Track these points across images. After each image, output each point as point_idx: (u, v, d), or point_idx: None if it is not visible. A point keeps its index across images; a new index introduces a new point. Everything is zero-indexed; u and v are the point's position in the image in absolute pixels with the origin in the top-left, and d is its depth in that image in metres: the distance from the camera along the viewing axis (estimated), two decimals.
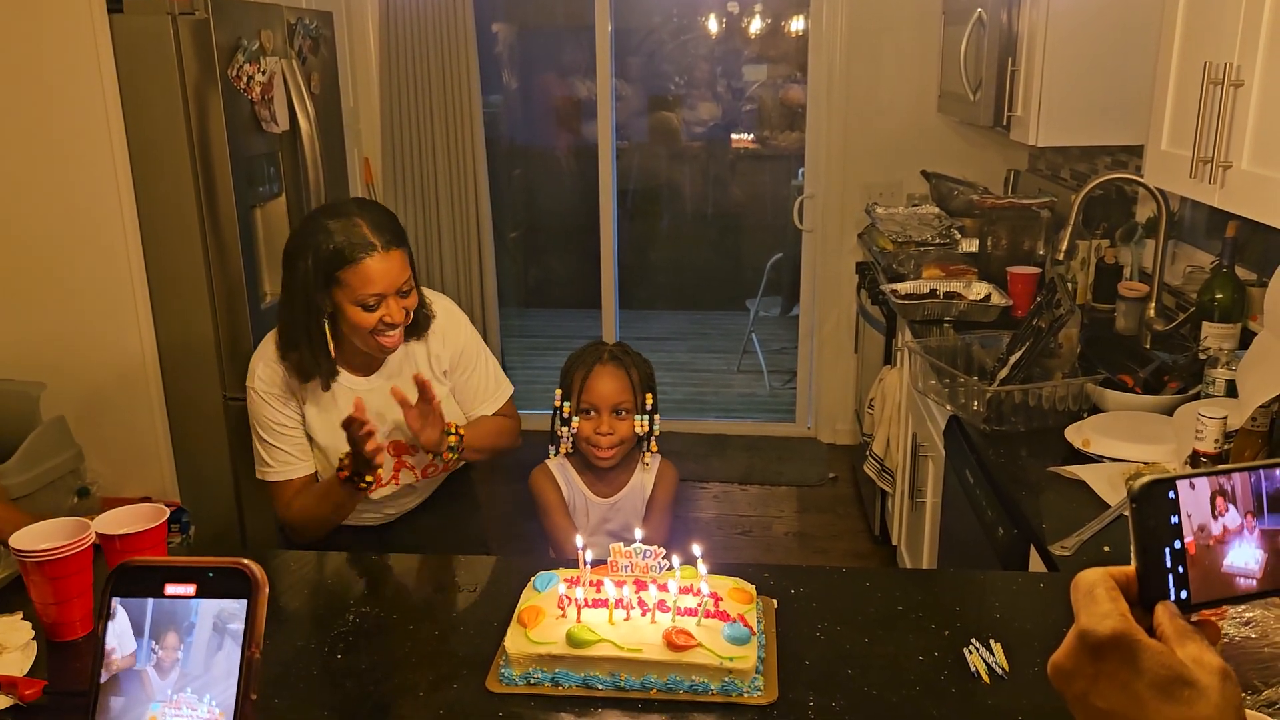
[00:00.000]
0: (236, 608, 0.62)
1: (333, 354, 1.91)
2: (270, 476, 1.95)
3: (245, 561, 0.63)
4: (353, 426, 1.77)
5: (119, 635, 0.63)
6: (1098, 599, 0.60)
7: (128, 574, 0.65)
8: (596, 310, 4.98)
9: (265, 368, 1.93)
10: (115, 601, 0.64)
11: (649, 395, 2.06)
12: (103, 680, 0.62)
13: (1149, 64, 2.22)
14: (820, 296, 4.61)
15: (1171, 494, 0.60)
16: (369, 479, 1.84)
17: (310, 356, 1.88)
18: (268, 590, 0.64)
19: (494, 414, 2.09)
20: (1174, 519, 0.60)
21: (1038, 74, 2.84)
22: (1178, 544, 0.60)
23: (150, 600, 0.63)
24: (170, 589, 0.63)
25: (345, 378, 1.96)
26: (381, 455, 1.87)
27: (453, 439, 1.92)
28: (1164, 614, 0.60)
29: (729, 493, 4.25)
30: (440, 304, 2.04)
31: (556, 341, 6.10)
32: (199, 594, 0.63)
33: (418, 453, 1.99)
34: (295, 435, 1.95)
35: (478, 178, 4.62)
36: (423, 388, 1.85)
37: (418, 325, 1.97)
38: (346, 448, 1.83)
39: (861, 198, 4.31)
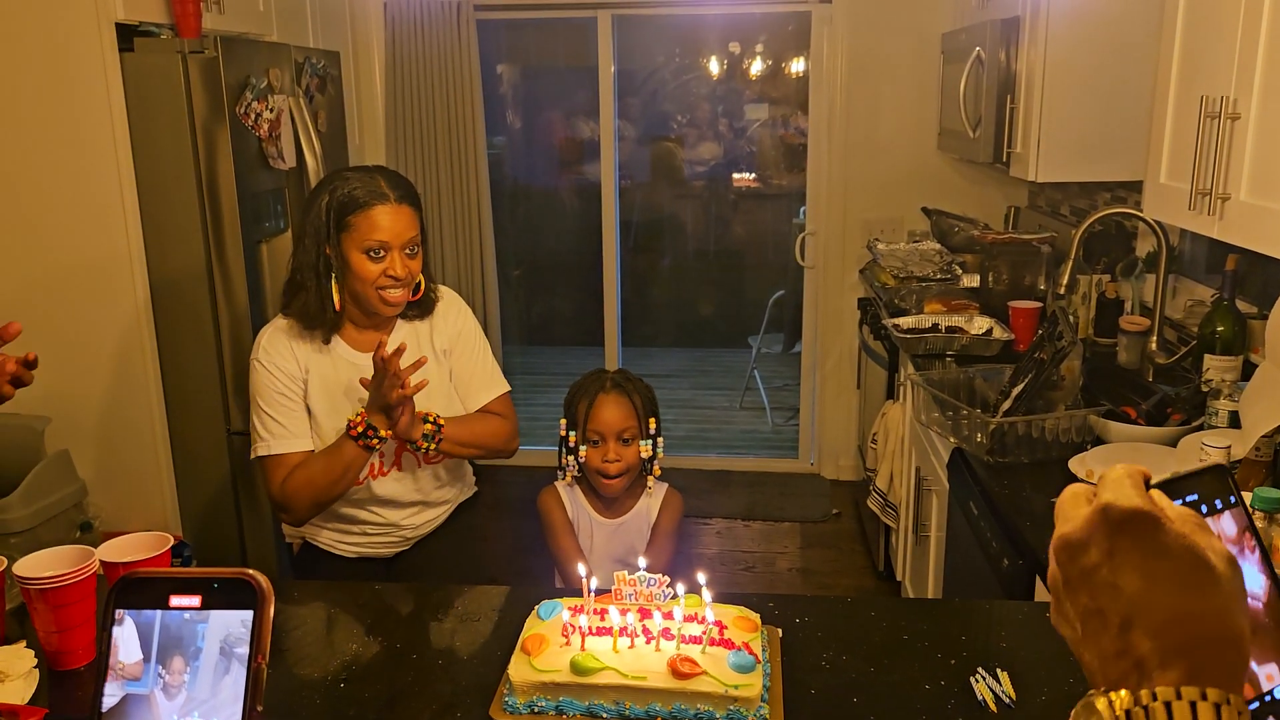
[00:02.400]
0: (243, 632, 0.62)
1: (338, 308, 1.94)
2: (264, 450, 1.93)
3: (251, 572, 0.63)
4: (384, 364, 1.78)
5: (124, 643, 0.62)
6: (1123, 484, 0.59)
7: (132, 585, 0.65)
8: (599, 347, 5.00)
9: (270, 338, 1.96)
10: (120, 613, 0.64)
11: (652, 420, 2.07)
12: (106, 694, 0.62)
13: (1146, 100, 2.25)
14: (822, 332, 4.63)
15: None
16: (383, 434, 1.85)
17: (316, 301, 1.92)
18: (273, 600, 0.63)
19: (489, 408, 2.09)
20: None
21: (1036, 111, 2.88)
22: None
23: (157, 620, 0.63)
24: (175, 600, 0.63)
25: (347, 351, 1.98)
26: (406, 409, 1.85)
27: (429, 426, 1.91)
28: (1168, 502, 0.59)
29: (732, 529, 4.24)
30: (445, 291, 2.12)
31: (559, 379, 6.10)
32: (204, 605, 0.63)
33: None
34: (295, 409, 1.95)
35: (481, 215, 4.65)
36: (388, 361, 1.80)
37: (423, 306, 2.02)
38: (345, 424, 1.87)
39: (862, 234, 4.34)
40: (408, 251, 1.91)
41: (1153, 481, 0.61)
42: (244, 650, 0.62)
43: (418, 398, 1.91)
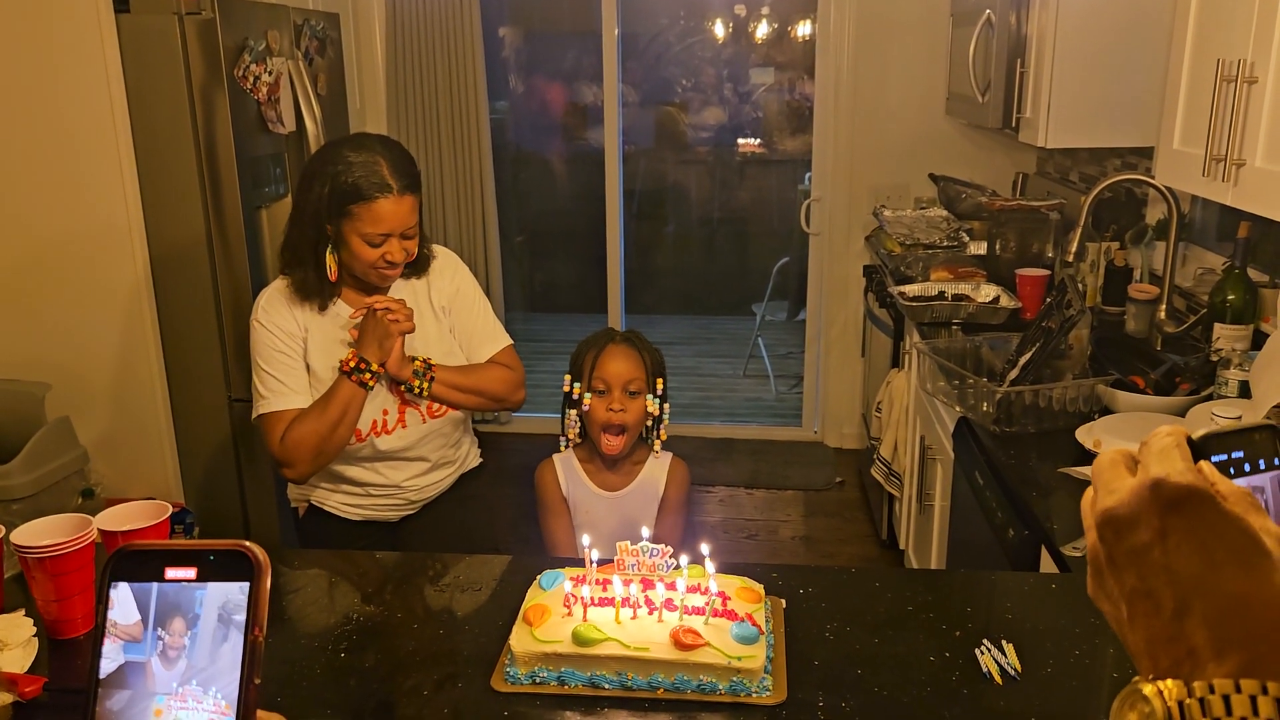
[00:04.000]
0: (241, 599, 0.61)
1: (334, 278, 1.95)
2: (264, 408, 1.94)
3: (247, 544, 0.62)
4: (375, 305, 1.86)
5: (121, 604, 0.61)
6: (1172, 456, 0.55)
7: (128, 557, 0.63)
8: (603, 315, 4.97)
9: (270, 299, 1.97)
10: (116, 584, 0.62)
11: (659, 380, 2.04)
12: (104, 661, 0.61)
13: (1160, 64, 2.21)
14: (827, 300, 4.60)
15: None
16: (374, 368, 1.87)
17: (314, 275, 1.93)
18: (270, 572, 0.62)
19: (493, 360, 2.09)
20: None
21: (1047, 75, 2.82)
22: None
23: (154, 588, 0.62)
24: (171, 573, 0.61)
25: (346, 310, 1.99)
26: (396, 345, 1.90)
27: (418, 364, 1.94)
28: (1219, 477, 0.55)
29: (735, 496, 4.23)
30: (440, 249, 2.11)
31: (562, 346, 6.07)
32: (200, 578, 0.61)
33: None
34: (294, 367, 1.95)
35: (484, 181, 4.61)
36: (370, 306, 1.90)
37: (418, 265, 2.03)
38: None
39: (869, 201, 4.30)
40: (406, 234, 1.91)
41: (1197, 435, 0.57)
42: (242, 618, 0.61)
43: (416, 351, 1.95)
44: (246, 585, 0.61)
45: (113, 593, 0.62)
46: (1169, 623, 0.53)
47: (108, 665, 0.60)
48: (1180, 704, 0.50)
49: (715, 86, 6.30)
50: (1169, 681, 0.51)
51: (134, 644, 0.60)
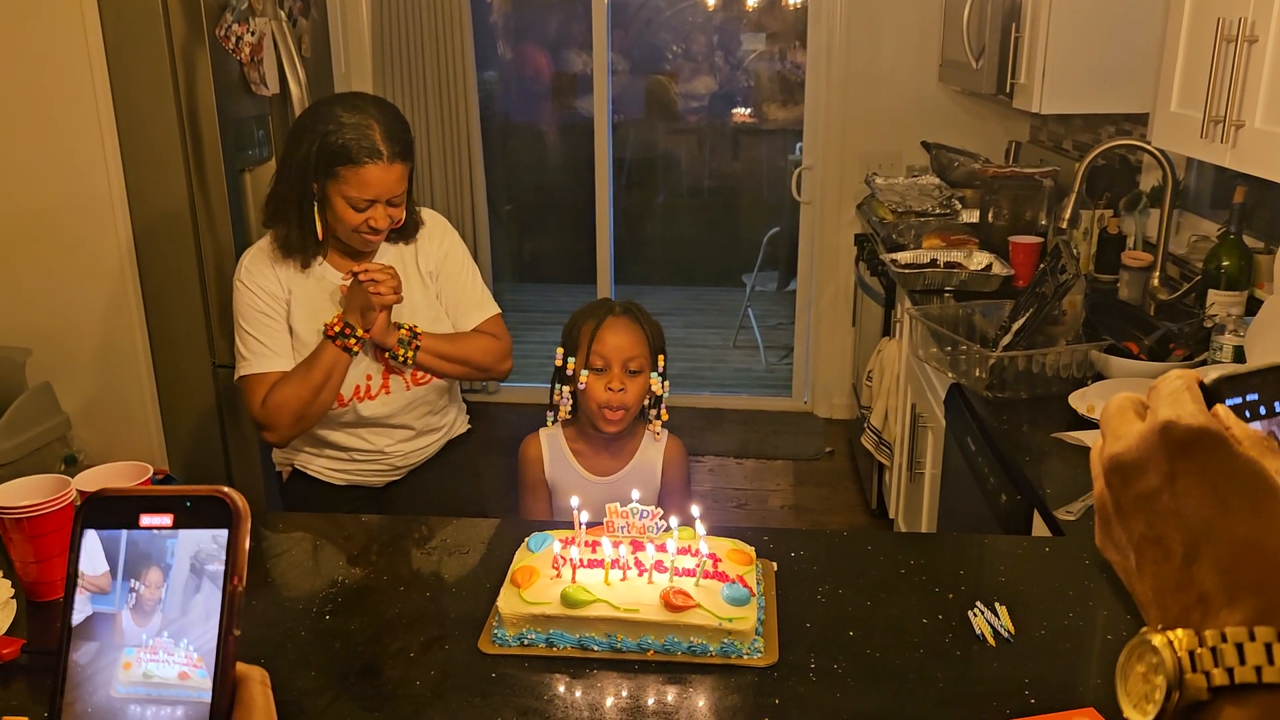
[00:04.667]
0: (215, 549, 0.58)
1: (320, 237, 1.90)
2: (246, 370, 1.91)
3: (226, 490, 0.59)
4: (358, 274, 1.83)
5: (89, 554, 0.58)
6: (1182, 398, 0.53)
7: (100, 504, 0.60)
8: (592, 285, 4.94)
9: (253, 259, 1.94)
10: (86, 532, 0.60)
11: (660, 357, 1.91)
12: (75, 609, 0.58)
13: (1157, 28, 2.18)
14: (818, 269, 4.57)
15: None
16: (359, 333, 1.85)
17: (298, 233, 1.89)
18: (249, 519, 0.59)
19: (481, 329, 2.05)
20: None
21: (1042, 39, 2.79)
22: None
23: (123, 536, 0.59)
24: (146, 520, 0.59)
25: (331, 273, 1.95)
26: (382, 312, 1.86)
27: (404, 333, 1.90)
28: (1234, 420, 0.53)
29: (724, 466, 4.22)
30: (429, 214, 2.07)
31: (551, 316, 6.05)
32: (176, 525, 0.58)
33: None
34: (277, 328, 1.92)
35: (471, 148, 4.56)
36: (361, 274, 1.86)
37: (405, 231, 1.99)
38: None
39: (860, 169, 4.26)
40: (393, 201, 1.86)
41: (1209, 379, 0.55)
42: (215, 567, 0.58)
43: (402, 317, 1.91)
44: (223, 533, 0.58)
45: (83, 541, 0.59)
46: (1178, 569, 0.51)
47: (75, 618, 0.58)
48: (1191, 654, 0.48)
49: (706, 54, 6.23)
50: (1179, 631, 0.49)
51: (102, 595, 0.57)
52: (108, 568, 0.58)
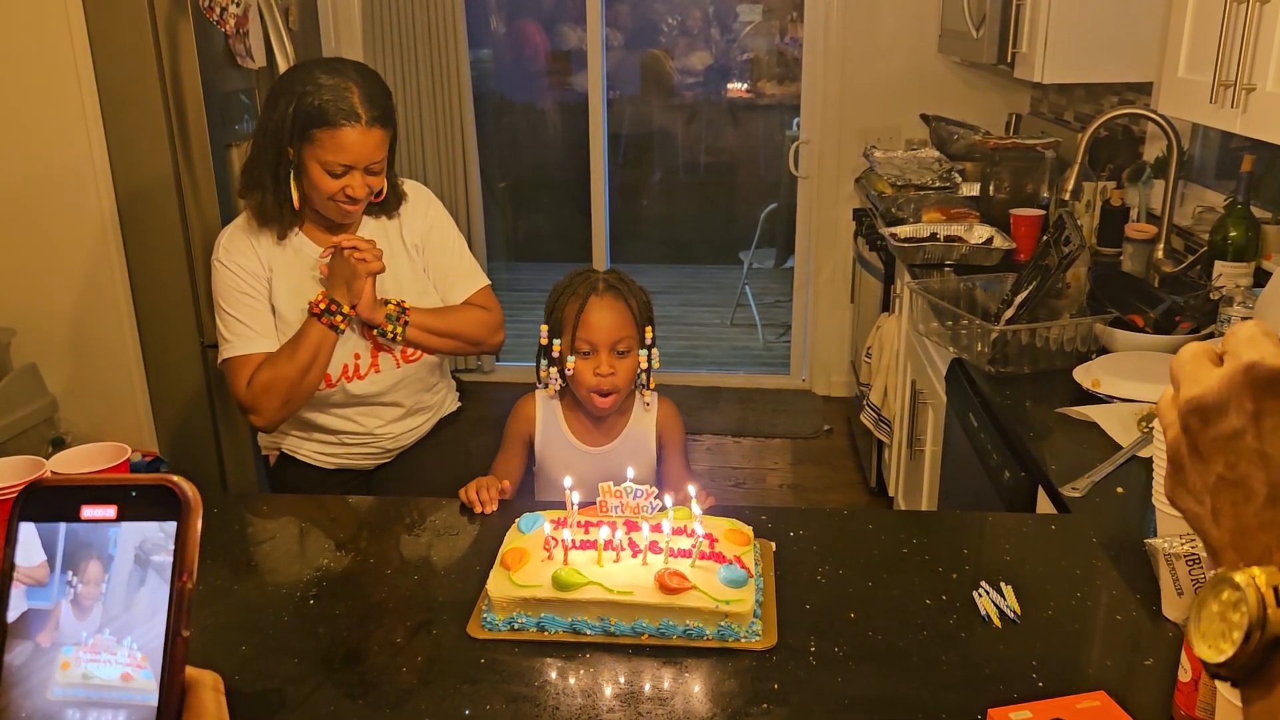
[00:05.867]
0: (161, 538, 0.53)
1: (296, 207, 1.84)
2: (229, 352, 1.85)
3: (174, 478, 0.54)
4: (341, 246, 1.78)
5: (25, 546, 0.54)
6: (1262, 342, 0.54)
7: (39, 495, 0.55)
8: (587, 263, 4.88)
9: (231, 236, 1.88)
10: (24, 527, 0.55)
11: (649, 329, 1.83)
12: (10, 608, 0.53)
13: None
14: (816, 245, 4.51)
15: None
16: (345, 310, 1.80)
17: (274, 201, 1.83)
18: (200, 511, 0.54)
19: (470, 302, 2.00)
20: None
21: (1044, 7, 2.73)
22: None
23: (62, 527, 0.54)
24: (88, 511, 0.54)
25: (311, 247, 1.89)
26: (367, 286, 1.80)
27: (391, 308, 1.85)
28: None
29: (722, 445, 4.19)
30: (412, 185, 2.00)
31: (545, 296, 5.99)
32: (120, 517, 0.54)
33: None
34: (259, 308, 1.86)
35: (464, 125, 4.49)
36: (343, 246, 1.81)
37: (387, 204, 1.93)
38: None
39: (859, 143, 4.20)
40: (371, 169, 1.80)
41: None
42: (161, 559, 0.53)
43: (389, 292, 1.86)
44: (172, 525, 0.54)
45: (18, 534, 0.54)
46: (1261, 509, 0.52)
47: (10, 615, 0.53)
48: (1276, 589, 0.49)
49: (702, 28, 6.15)
50: (1258, 568, 0.50)
51: (38, 589, 0.53)
52: (45, 557, 0.53)
